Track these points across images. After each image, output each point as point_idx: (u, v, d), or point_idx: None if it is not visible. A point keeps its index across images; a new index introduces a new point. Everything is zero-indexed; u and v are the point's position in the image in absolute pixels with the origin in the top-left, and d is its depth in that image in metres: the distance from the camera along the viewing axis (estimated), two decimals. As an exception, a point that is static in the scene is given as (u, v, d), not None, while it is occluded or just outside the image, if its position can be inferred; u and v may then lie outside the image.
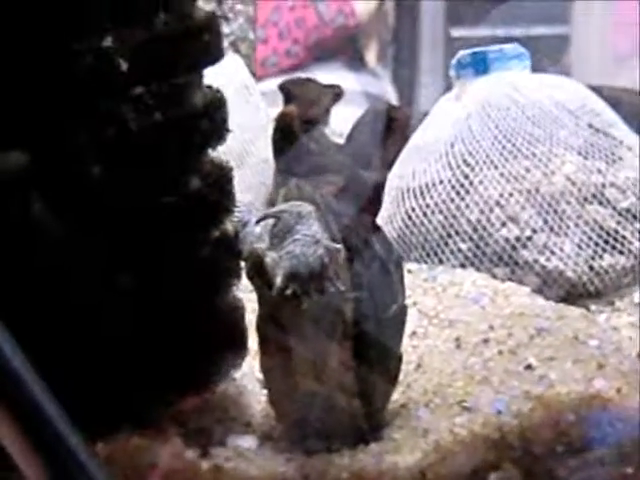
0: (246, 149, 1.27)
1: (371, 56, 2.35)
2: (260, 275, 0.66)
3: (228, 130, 0.70)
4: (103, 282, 0.66)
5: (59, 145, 0.61)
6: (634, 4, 1.80)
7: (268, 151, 1.30)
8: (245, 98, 1.33)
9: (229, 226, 0.72)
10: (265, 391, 0.73)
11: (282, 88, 1.47)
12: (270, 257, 0.65)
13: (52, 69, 0.60)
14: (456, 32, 2.15)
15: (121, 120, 0.61)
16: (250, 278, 0.68)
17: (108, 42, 0.60)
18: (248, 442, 0.70)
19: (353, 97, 1.60)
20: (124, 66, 0.60)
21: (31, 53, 0.59)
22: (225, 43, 1.65)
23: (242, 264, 0.72)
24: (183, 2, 0.65)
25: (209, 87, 0.70)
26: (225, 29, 1.62)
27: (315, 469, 0.65)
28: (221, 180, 0.70)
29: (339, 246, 0.65)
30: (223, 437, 0.70)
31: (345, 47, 2.30)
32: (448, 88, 1.11)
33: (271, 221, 0.67)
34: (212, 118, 0.68)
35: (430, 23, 2.24)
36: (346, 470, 0.64)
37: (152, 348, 0.69)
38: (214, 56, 0.68)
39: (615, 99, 1.10)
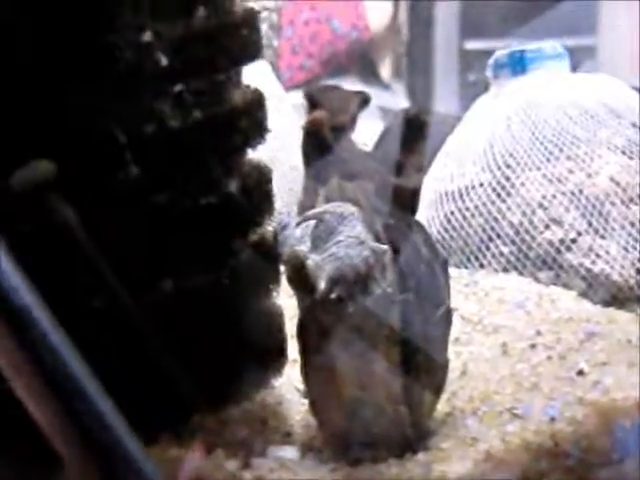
0: (275, 156, 1.25)
1: (385, 70, 2.35)
2: (301, 279, 0.64)
3: (268, 130, 0.68)
4: (141, 287, 0.64)
5: (96, 143, 0.59)
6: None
7: (297, 158, 1.28)
8: (274, 105, 1.31)
9: (268, 229, 0.70)
10: (304, 400, 0.71)
11: (308, 96, 1.45)
12: (312, 260, 0.63)
13: (90, 64, 0.58)
14: (470, 45, 2.14)
15: (161, 118, 0.59)
16: (291, 282, 0.66)
17: (147, 37, 0.58)
18: (290, 453, 0.68)
19: (367, 111, 1.58)
20: (164, 61, 0.58)
21: (68, 47, 0.58)
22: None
23: (281, 268, 0.70)
24: (222, -4, 0.63)
25: (247, 86, 0.69)
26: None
27: (361, 479, 0.62)
28: (260, 182, 0.69)
29: (385, 247, 0.63)
30: (264, 448, 0.68)
31: (359, 61, 2.30)
32: (485, 88, 1.08)
33: (312, 223, 0.65)
34: (252, 117, 0.66)
35: (444, 36, 2.23)
36: (394, 481, 0.62)
37: (189, 356, 0.66)
38: (253, 52, 0.66)
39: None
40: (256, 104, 0.66)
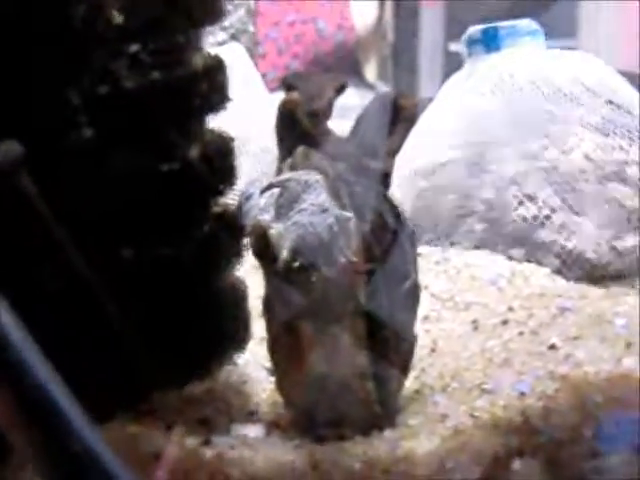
0: (247, 137, 1.23)
1: (370, 71, 2.34)
2: (265, 249, 0.62)
3: (228, 97, 0.66)
4: (99, 259, 0.62)
5: (47, 104, 0.56)
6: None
7: (270, 140, 1.26)
8: (246, 86, 1.29)
9: (231, 200, 0.68)
10: (271, 379, 0.69)
11: (284, 82, 1.44)
12: (275, 229, 0.61)
13: (39, 20, 0.55)
14: (455, 47, 2.13)
15: (115, 77, 0.57)
16: (255, 253, 0.64)
17: (100, -7, 0.56)
18: (253, 431, 0.66)
19: (351, 111, 1.58)
20: (118, 19, 0.56)
21: (17, 6, 0.55)
22: (225, 34, 1.62)
23: (245, 241, 0.68)
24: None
25: (208, 52, 0.66)
26: (225, 22, 1.59)
27: (326, 457, 0.61)
28: (222, 150, 0.66)
29: (350, 214, 0.61)
30: (227, 426, 0.66)
31: (344, 62, 2.29)
32: (458, 66, 1.07)
33: (276, 191, 0.63)
34: (212, 81, 0.64)
35: (429, 38, 2.23)
36: (359, 458, 0.60)
37: (149, 332, 0.65)
38: (214, 14, 0.64)
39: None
40: (217, 69, 0.64)
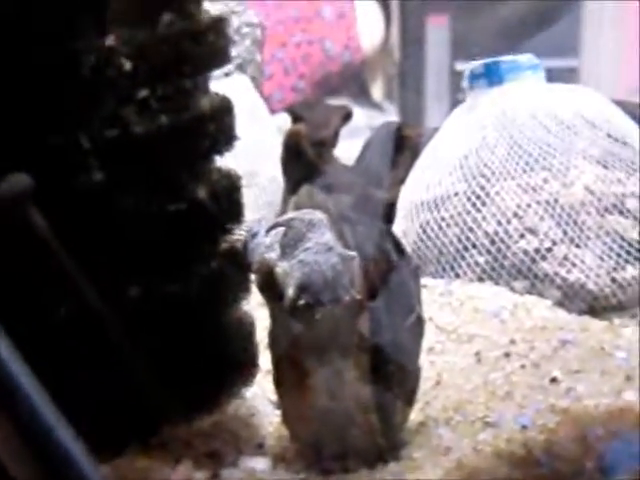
0: (254, 169, 1.25)
1: (377, 90, 2.35)
2: (271, 287, 0.63)
3: (236, 137, 0.68)
4: (109, 296, 0.63)
5: (59, 150, 0.58)
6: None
7: (276, 171, 1.28)
8: (253, 117, 1.31)
9: (238, 237, 0.69)
10: (277, 412, 0.70)
11: (290, 111, 1.45)
12: (281, 267, 0.62)
13: (51, 69, 0.57)
14: (461, 66, 2.15)
15: (125, 123, 0.58)
16: (261, 290, 0.66)
17: (111, 41, 0.58)
18: (261, 464, 0.67)
19: (358, 131, 1.59)
20: (127, 66, 0.58)
21: (31, 53, 0.57)
22: (232, 65, 1.64)
23: (252, 277, 0.69)
24: (189, 3, 0.63)
25: (216, 93, 0.68)
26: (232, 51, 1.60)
27: (332, 490, 0.61)
28: (229, 189, 0.68)
29: (353, 253, 0.62)
30: (234, 459, 0.67)
31: (351, 82, 2.30)
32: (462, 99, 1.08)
33: (281, 230, 0.65)
34: (219, 123, 0.65)
35: (435, 57, 2.24)
36: (365, 491, 0.61)
37: (158, 366, 0.66)
38: (220, 59, 0.65)
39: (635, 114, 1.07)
40: (224, 111, 0.66)
